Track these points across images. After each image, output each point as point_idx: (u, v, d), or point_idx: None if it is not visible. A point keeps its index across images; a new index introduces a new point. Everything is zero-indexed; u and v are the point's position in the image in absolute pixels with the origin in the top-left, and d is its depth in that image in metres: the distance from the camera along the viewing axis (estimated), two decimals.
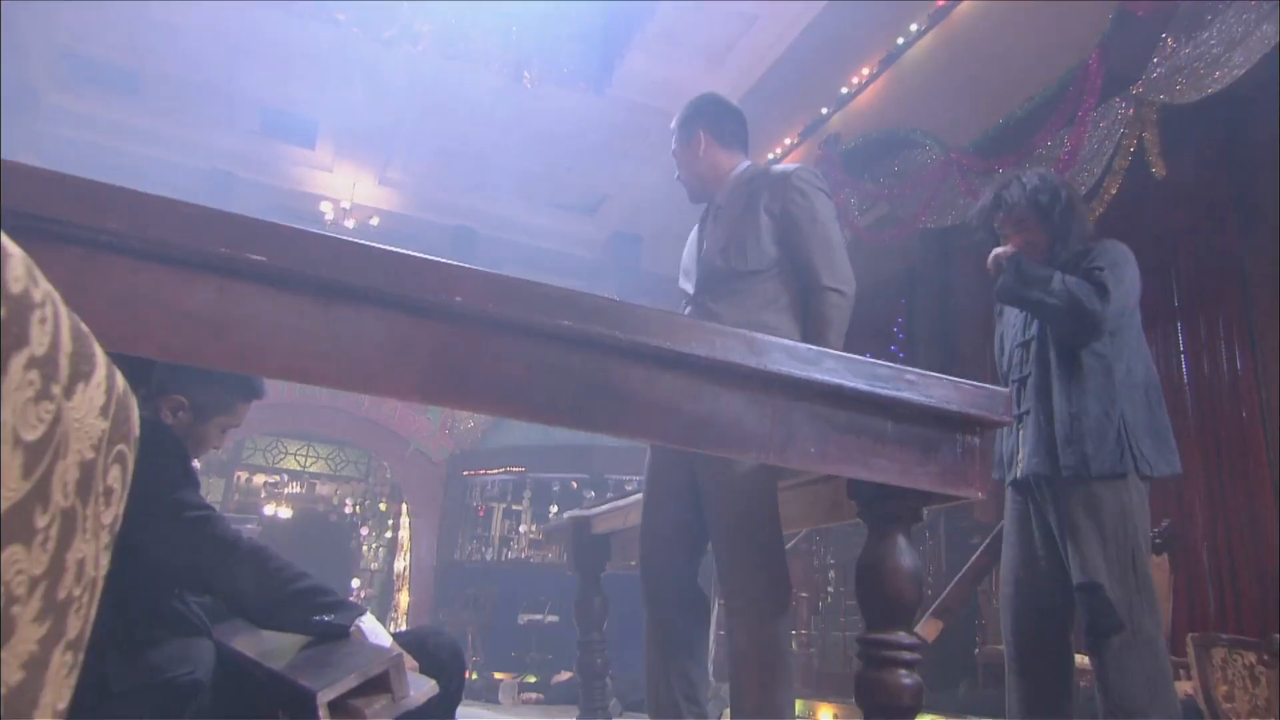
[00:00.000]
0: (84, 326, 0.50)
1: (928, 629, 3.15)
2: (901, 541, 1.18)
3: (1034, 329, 2.37)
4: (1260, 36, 3.42)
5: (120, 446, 0.58)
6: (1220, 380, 4.63)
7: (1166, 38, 3.89)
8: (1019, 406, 2.34)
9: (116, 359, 0.61)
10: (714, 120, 2.21)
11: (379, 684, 1.25)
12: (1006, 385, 2.39)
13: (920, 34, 5.72)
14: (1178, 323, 4.77)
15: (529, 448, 9.75)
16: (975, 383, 1.17)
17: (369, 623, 1.40)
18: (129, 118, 8.96)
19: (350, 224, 9.61)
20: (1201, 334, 4.72)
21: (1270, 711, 2.73)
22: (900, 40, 5.83)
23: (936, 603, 3.20)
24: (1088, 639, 2.08)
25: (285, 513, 13.10)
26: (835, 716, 4.98)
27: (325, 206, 9.62)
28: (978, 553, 3.32)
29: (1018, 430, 2.35)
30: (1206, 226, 4.82)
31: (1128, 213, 4.53)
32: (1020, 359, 2.40)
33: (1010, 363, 2.45)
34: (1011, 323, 2.50)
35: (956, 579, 3.29)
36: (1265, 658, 2.81)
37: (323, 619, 1.36)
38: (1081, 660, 2.48)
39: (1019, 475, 2.32)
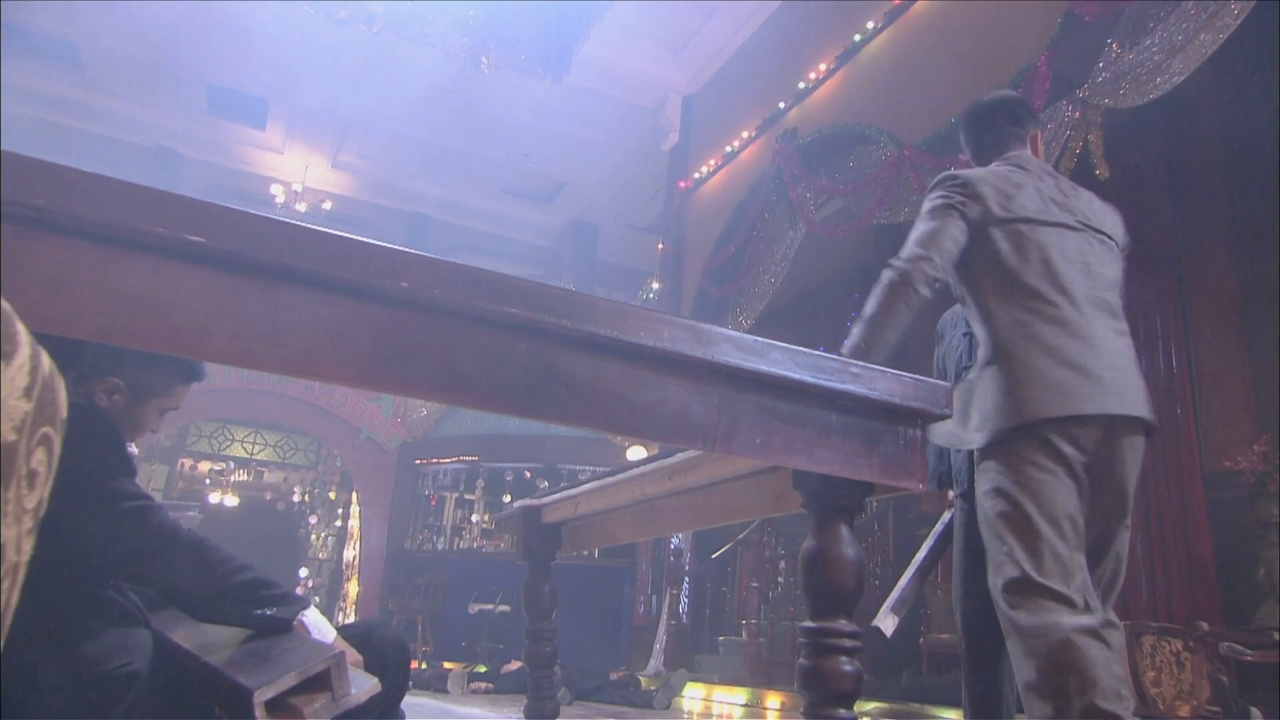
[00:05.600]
0: (4, 305, 0.49)
1: (887, 622, 3.19)
2: (844, 532, 1.20)
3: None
4: (1199, 45, 3.52)
5: (45, 429, 0.56)
6: (1156, 378, 4.79)
7: (1112, 43, 3.98)
8: None
9: (46, 340, 0.60)
10: None
11: (320, 681, 1.23)
12: None
13: (877, 31, 5.79)
14: None
15: (482, 437, 9.69)
16: (917, 376, 1.19)
17: (312, 616, 1.37)
18: (68, 91, 8.65)
19: (302, 207, 9.42)
20: (1140, 332, 4.87)
21: (1195, 695, 2.84)
22: (857, 37, 5.89)
23: (893, 597, 3.23)
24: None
25: (231, 501, 12.84)
26: (782, 704, 5.05)
27: (276, 189, 9.42)
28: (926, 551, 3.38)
29: None
30: (1147, 228, 4.96)
31: None
32: None
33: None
34: (954, 345, 2.56)
35: (910, 576, 3.34)
36: (1190, 644, 2.93)
37: (264, 613, 1.33)
38: None
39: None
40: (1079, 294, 1.93)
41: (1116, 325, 1.95)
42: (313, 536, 12.06)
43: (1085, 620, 1.70)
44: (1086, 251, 1.99)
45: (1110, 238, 2.08)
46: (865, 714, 4.28)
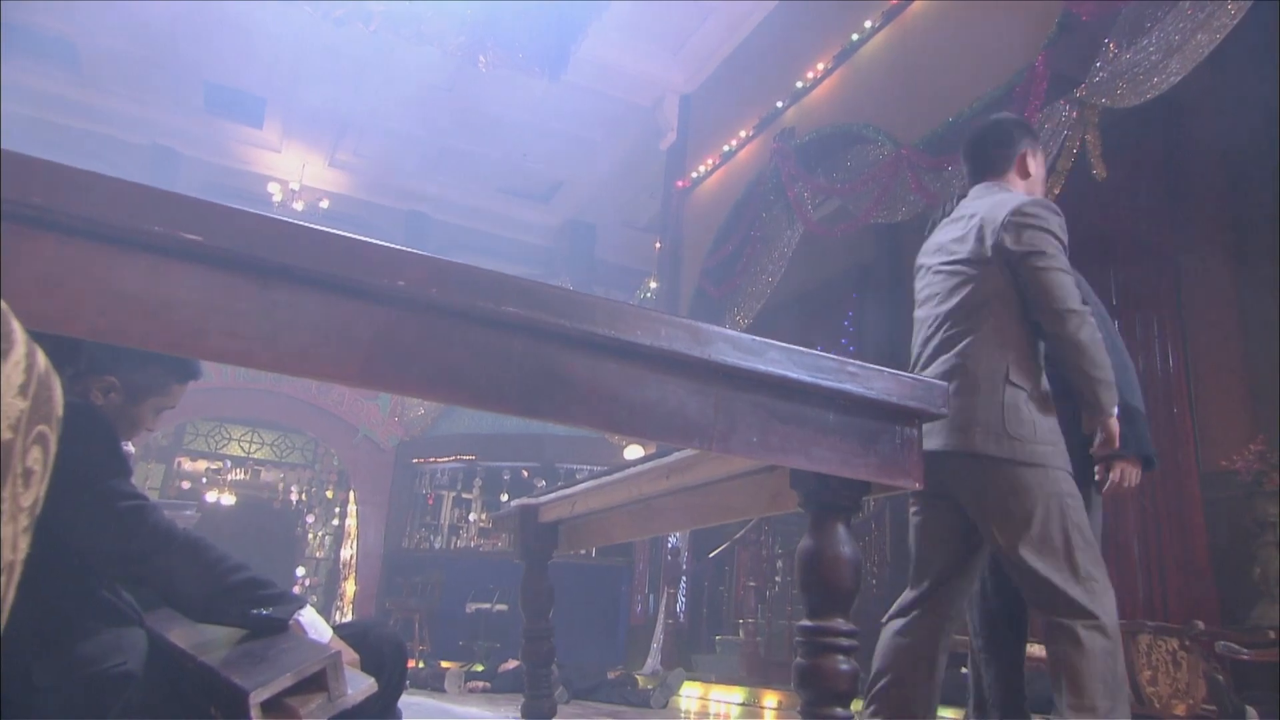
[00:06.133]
0: (1, 303, 0.49)
1: None
2: (841, 531, 1.20)
3: None
4: (1196, 45, 3.53)
5: (41, 427, 0.56)
6: (1154, 377, 4.79)
7: (1109, 42, 3.98)
8: None
9: (42, 338, 0.59)
10: None
11: (316, 681, 1.22)
12: None
13: (874, 31, 5.79)
14: (1115, 321, 4.93)
15: (480, 436, 9.69)
16: (915, 375, 1.19)
17: (308, 616, 1.36)
18: (66, 90, 8.63)
19: (299, 206, 9.41)
20: (1137, 332, 4.87)
21: (1190, 694, 2.85)
22: (855, 36, 5.89)
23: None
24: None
25: (228, 499, 12.82)
26: (779, 704, 5.06)
27: (273, 188, 9.40)
28: None
29: None
30: (1144, 229, 4.97)
31: (1069, 213, 4.64)
32: None
33: None
34: None
35: None
36: (1187, 643, 2.94)
37: (260, 612, 1.32)
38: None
39: None
40: (919, 334, 2.18)
41: (943, 355, 2.07)
42: (310, 535, 12.05)
43: None
44: (931, 286, 2.19)
45: (955, 257, 2.14)
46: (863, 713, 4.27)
